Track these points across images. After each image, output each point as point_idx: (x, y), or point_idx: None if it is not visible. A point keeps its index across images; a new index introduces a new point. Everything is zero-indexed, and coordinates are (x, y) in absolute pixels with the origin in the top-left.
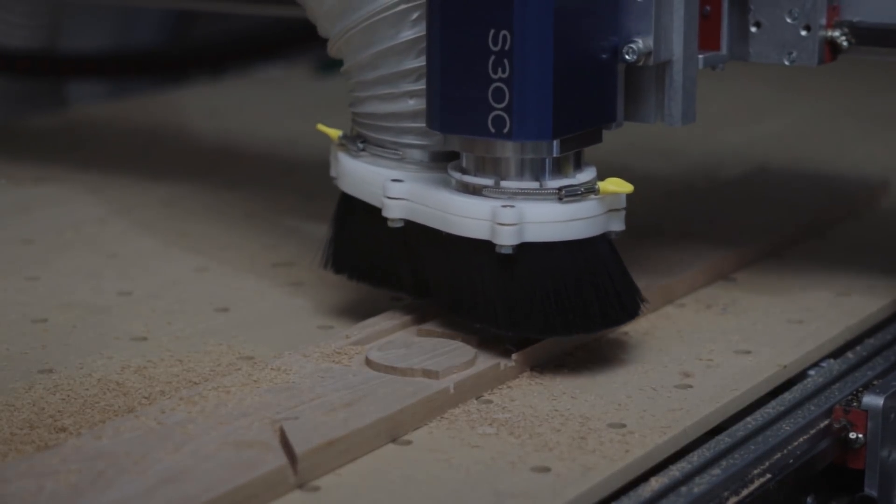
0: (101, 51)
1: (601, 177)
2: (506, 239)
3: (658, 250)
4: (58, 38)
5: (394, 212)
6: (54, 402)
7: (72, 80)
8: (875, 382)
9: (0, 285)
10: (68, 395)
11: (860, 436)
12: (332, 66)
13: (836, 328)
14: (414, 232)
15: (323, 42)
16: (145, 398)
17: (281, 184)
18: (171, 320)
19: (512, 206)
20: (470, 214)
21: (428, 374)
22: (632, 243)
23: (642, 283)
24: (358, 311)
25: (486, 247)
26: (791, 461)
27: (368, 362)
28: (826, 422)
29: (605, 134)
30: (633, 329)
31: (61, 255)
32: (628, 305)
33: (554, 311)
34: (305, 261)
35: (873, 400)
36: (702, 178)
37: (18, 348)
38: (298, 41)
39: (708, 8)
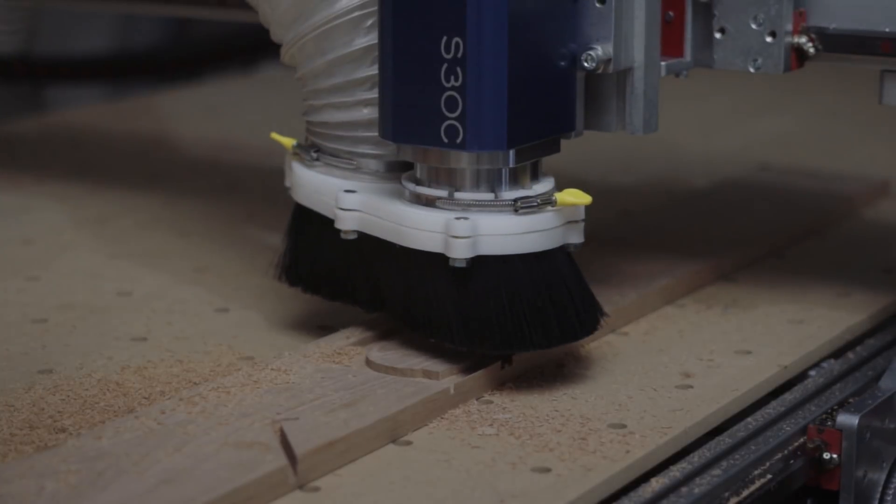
0: (99, 52)
1: (561, 187)
2: (459, 252)
3: (658, 250)
4: (35, 42)
5: (347, 223)
6: (54, 403)
7: (69, 83)
8: (851, 400)
9: (0, 285)
10: (68, 396)
11: (835, 456)
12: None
13: (836, 328)
14: (368, 244)
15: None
16: (145, 398)
17: (281, 184)
18: (171, 320)
19: (466, 219)
20: (423, 227)
21: (428, 374)
22: (632, 243)
23: (642, 283)
24: (358, 312)
25: (440, 260)
26: (791, 462)
27: (368, 362)
28: (802, 440)
29: (606, 133)
30: (633, 329)
31: (61, 255)
32: (587, 320)
33: (510, 326)
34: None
35: (848, 419)
36: (702, 179)
37: (18, 348)
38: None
39: (671, 14)
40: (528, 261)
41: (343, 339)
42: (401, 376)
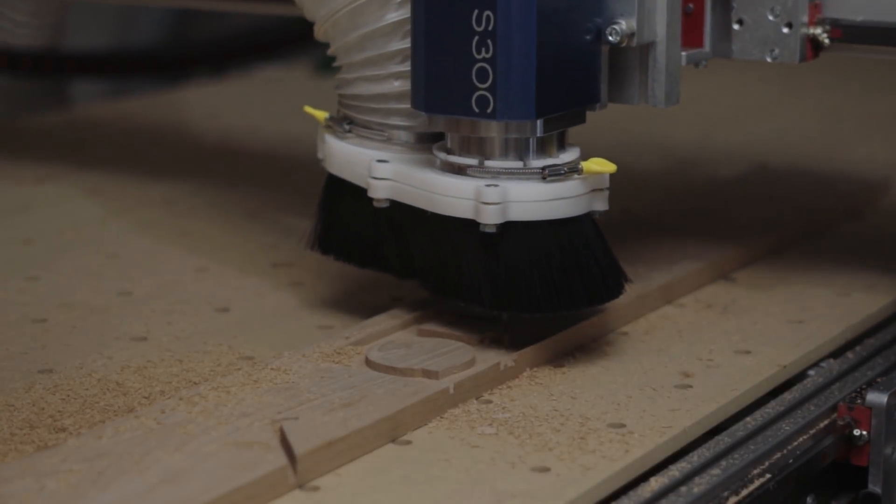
0: (101, 50)
1: (586, 157)
2: (490, 218)
3: (658, 249)
4: (61, 37)
5: (379, 192)
6: (54, 402)
7: (74, 79)
8: (879, 380)
9: (0, 285)
10: (68, 395)
11: (864, 433)
12: (331, 65)
13: (836, 328)
14: (400, 212)
15: (323, 42)
16: (145, 398)
17: (281, 183)
18: (171, 320)
19: (496, 186)
20: (454, 194)
21: (428, 374)
22: (632, 243)
23: (642, 282)
24: (358, 311)
25: (470, 226)
26: (791, 461)
27: (368, 362)
28: (828, 420)
29: (606, 133)
30: (633, 329)
31: (61, 255)
32: (612, 284)
33: (538, 289)
34: (305, 260)
35: (877, 397)
36: (701, 178)
37: (18, 348)
38: (298, 41)
39: (691, 6)
40: (555, 226)
41: (343, 339)
42: (400, 376)
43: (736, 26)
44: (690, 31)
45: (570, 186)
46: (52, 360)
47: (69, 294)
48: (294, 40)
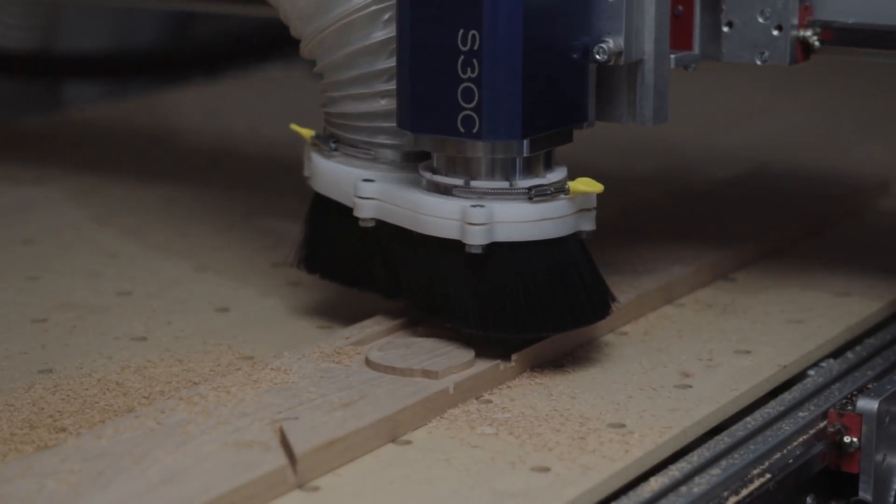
0: (100, 51)
1: (573, 176)
2: (476, 239)
3: (658, 250)
4: (54, 38)
5: (365, 211)
6: (54, 402)
7: (70, 81)
8: (870, 386)
9: (0, 285)
10: (68, 395)
11: (854, 440)
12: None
13: (836, 328)
14: (386, 232)
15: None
16: (145, 398)
17: (281, 184)
18: (171, 320)
19: (482, 206)
20: (440, 214)
21: (428, 374)
22: (632, 243)
23: (642, 282)
24: (357, 311)
25: (456, 246)
26: (791, 461)
27: (368, 362)
28: (820, 426)
29: (605, 132)
30: (633, 329)
31: (61, 255)
32: (599, 305)
33: (524, 310)
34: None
35: (868, 403)
36: (701, 178)
37: (18, 348)
38: (296, 42)
39: (680, 8)
40: (541, 247)
41: (343, 339)
42: (400, 376)
43: (725, 29)
44: (680, 34)
45: (557, 207)
46: (52, 360)
47: (69, 294)
48: (292, 41)
